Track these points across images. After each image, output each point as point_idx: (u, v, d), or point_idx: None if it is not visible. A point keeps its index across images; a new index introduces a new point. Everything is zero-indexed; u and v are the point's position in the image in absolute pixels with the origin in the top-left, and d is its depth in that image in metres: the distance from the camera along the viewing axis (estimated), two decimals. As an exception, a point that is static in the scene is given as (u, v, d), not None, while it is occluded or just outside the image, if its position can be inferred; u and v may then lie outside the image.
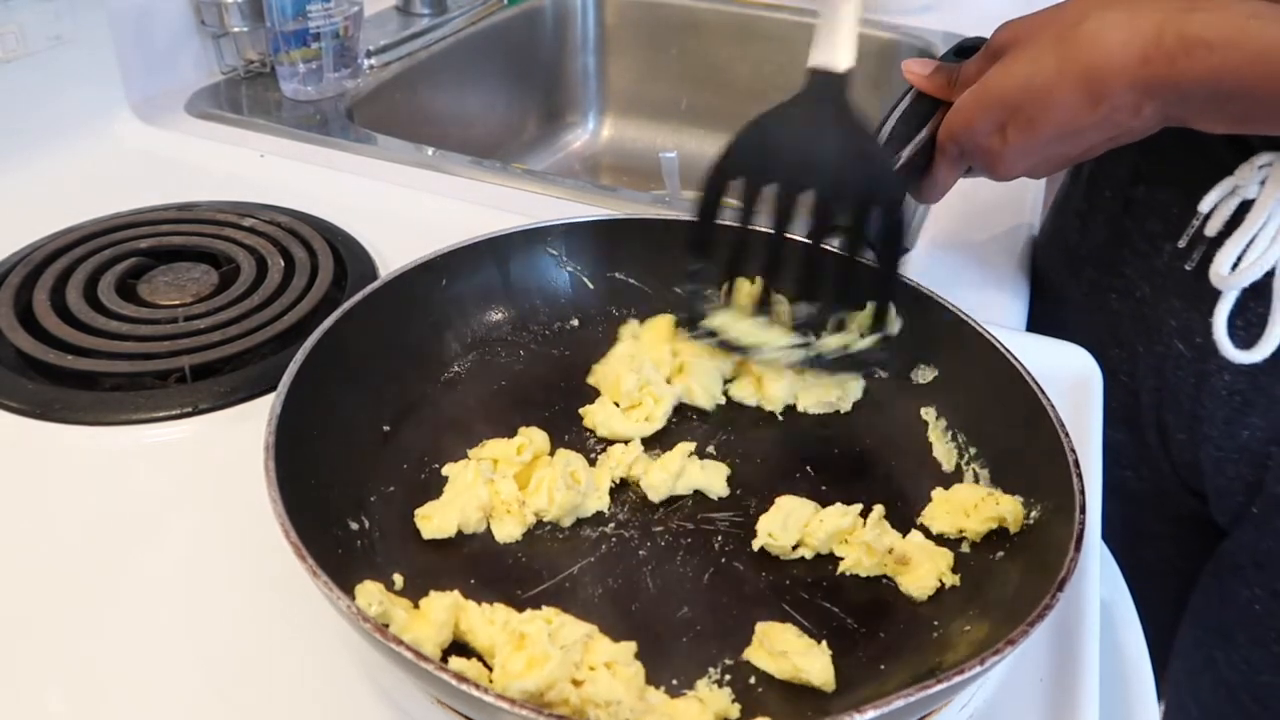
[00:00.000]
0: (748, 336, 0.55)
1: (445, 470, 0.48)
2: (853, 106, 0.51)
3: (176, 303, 0.64)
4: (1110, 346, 0.68)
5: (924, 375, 0.56)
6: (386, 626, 0.35)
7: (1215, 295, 0.56)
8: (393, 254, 0.70)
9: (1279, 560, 0.63)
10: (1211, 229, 0.57)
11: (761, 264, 0.54)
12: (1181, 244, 0.60)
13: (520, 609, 0.42)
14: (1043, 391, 0.48)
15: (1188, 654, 0.73)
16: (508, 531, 0.47)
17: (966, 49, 0.64)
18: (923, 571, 0.45)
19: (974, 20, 0.57)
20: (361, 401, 0.50)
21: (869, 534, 0.46)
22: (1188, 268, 0.60)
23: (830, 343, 0.54)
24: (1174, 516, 0.74)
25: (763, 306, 0.55)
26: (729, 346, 0.55)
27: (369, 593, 0.40)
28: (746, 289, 0.56)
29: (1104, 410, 0.59)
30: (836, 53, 0.51)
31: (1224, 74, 0.46)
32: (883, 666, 0.42)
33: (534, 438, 0.51)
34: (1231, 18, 0.45)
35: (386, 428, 0.51)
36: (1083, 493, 0.43)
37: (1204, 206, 0.56)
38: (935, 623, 0.44)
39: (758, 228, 0.53)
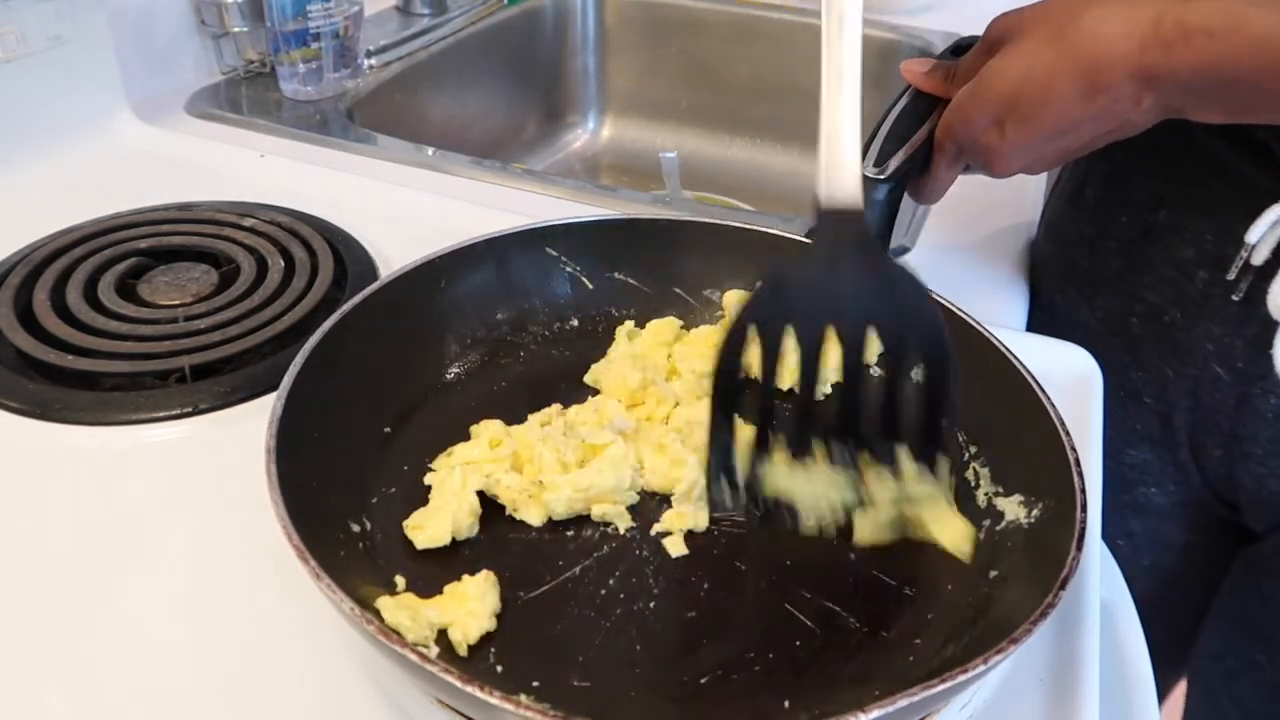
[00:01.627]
0: (788, 490, 0.46)
1: (428, 479, 0.48)
2: (877, 242, 0.46)
3: (176, 303, 0.64)
4: (1131, 370, 0.67)
5: (922, 374, 0.55)
6: (396, 633, 0.35)
7: (1258, 320, 0.55)
8: (393, 254, 0.70)
9: None
10: (1258, 259, 0.56)
11: (794, 415, 0.47)
12: (1231, 276, 0.59)
13: (523, 611, 0.42)
14: (1043, 390, 0.48)
15: (1219, 655, 0.72)
16: (533, 515, 0.47)
17: (964, 47, 0.63)
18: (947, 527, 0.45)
19: (974, 20, 0.57)
20: (362, 403, 0.50)
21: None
22: (1235, 297, 0.59)
23: (882, 493, 0.46)
24: (1202, 525, 0.73)
25: (798, 456, 0.46)
26: (768, 512, 0.46)
27: (390, 608, 0.40)
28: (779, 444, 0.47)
29: (1123, 432, 0.59)
30: (843, 189, 0.46)
31: (1224, 62, 0.45)
32: (888, 666, 0.42)
33: (494, 429, 0.51)
34: (1230, 5, 0.45)
35: (387, 429, 0.51)
36: (1084, 491, 0.43)
37: (1251, 237, 0.55)
38: (937, 621, 0.44)
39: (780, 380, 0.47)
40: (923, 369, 0.45)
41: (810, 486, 0.46)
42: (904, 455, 0.46)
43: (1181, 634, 0.76)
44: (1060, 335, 0.67)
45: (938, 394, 0.45)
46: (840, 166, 0.46)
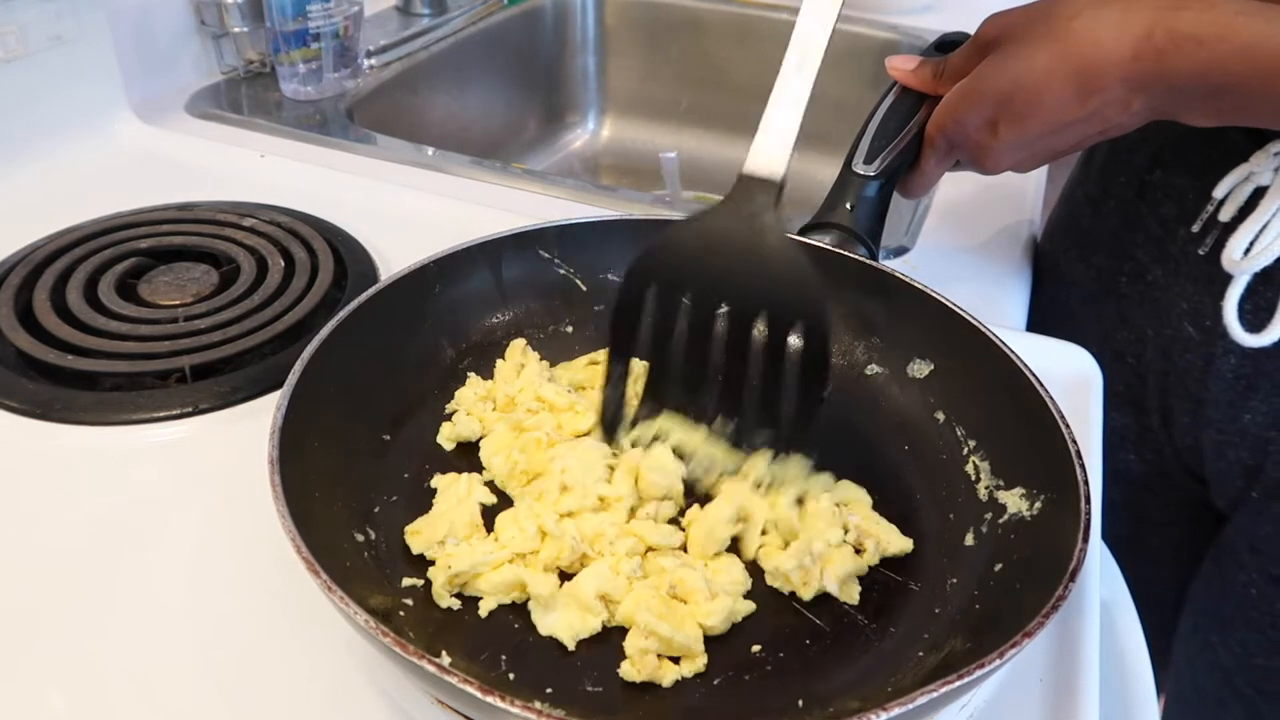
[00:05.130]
0: (674, 440, 0.49)
1: (434, 482, 0.48)
2: (781, 220, 0.48)
3: (176, 303, 0.64)
4: (1118, 329, 0.69)
5: (920, 370, 0.55)
6: (411, 644, 0.35)
7: (1226, 279, 0.57)
8: (393, 254, 0.70)
9: (1275, 545, 0.64)
10: (1225, 215, 0.58)
11: (682, 374, 0.49)
12: (1195, 229, 0.61)
13: (531, 617, 0.42)
14: (1041, 384, 0.48)
15: (1186, 639, 0.74)
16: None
17: (947, 44, 0.64)
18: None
19: (974, 20, 0.58)
20: (360, 411, 0.50)
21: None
22: (1201, 252, 0.61)
23: (753, 469, 0.48)
24: (1176, 502, 0.74)
25: (686, 410, 0.49)
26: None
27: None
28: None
29: (1108, 393, 0.60)
30: (772, 160, 0.48)
31: (1212, 69, 0.47)
32: (899, 662, 0.42)
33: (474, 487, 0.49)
34: (1219, 14, 0.46)
35: (386, 437, 0.51)
36: (1086, 483, 0.43)
37: (1218, 193, 0.57)
38: (947, 618, 0.44)
39: (678, 336, 0.48)
40: (800, 365, 0.47)
41: (694, 443, 0.49)
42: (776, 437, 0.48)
43: (1166, 622, 0.77)
44: (1060, 297, 0.67)
45: (813, 389, 0.47)
46: (772, 139, 0.48)
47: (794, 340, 0.46)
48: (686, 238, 0.48)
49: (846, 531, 0.47)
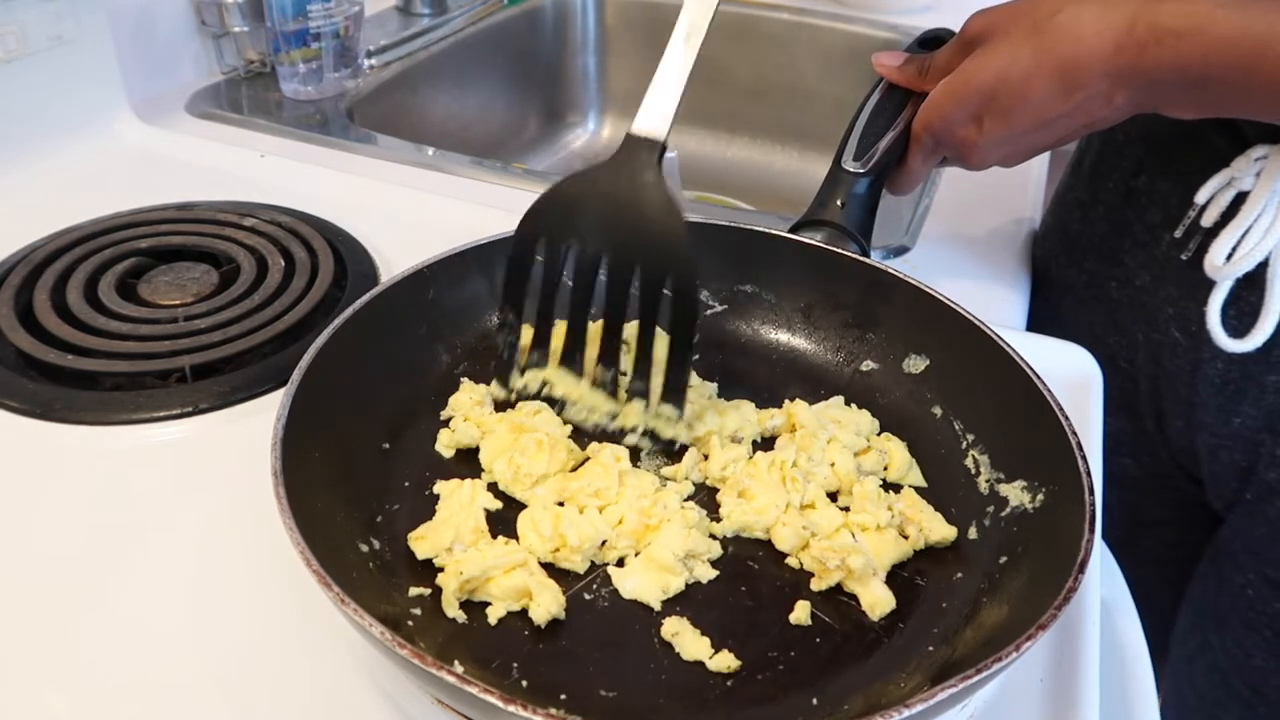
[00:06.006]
0: (559, 389, 0.53)
1: (436, 489, 0.48)
2: (661, 177, 0.50)
3: (177, 303, 0.64)
4: (1110, 334, 0.69)
5: (915, 365, 0.55)
6: (428, 655, 0.35)
7: (1210, 284, 0.57)
8: (393, 254, 0.70)
9: (1271, 546, 0.64)
10: (1208, 220, 0.58)
11: (567, 322, 0.52)
12: (1178, 234, 0.61)
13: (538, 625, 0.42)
14: (1039, 378, 0.48)
15: (1183, 640, 0.74)
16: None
17: (930, 39, 0.65)
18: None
19: (974, 20, 0.58)
20: (358, 420, 0.49)
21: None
22: (1184, 257, 0.61)
23: (629, 417, 0.52)
24: (1173, 503, 0.75)
25: (571, 360, 0.53)
26: (541, 398, 0.53)
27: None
28: (558, 340, 0.53)
29: (1104, 399, 0.60)
30: (656, 121, 0.50)
31: (1192, 61, 0.47)
32: (909, 658, 0.42)
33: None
34: (1199, 7, 0.47)
35: (385, 445, 0.50)
36: (1089, 474, 0.43)
37: (1200, 198, 0.57)
38: (955, 612, 0.44)
39: (564, 284, 0.52)
40: (670, 320, 0.50)
41: (577, 392, 0.53)
42: (653, 386, 0.51)
43: (1163, 622, 0.77)
44: (1053, 301, 0.67)
45: (682, 341, 0.50)
46: (658, 105, 0.51)
47: (666, 293, 0.50)
48: (574, 190, 0.51)
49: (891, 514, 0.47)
